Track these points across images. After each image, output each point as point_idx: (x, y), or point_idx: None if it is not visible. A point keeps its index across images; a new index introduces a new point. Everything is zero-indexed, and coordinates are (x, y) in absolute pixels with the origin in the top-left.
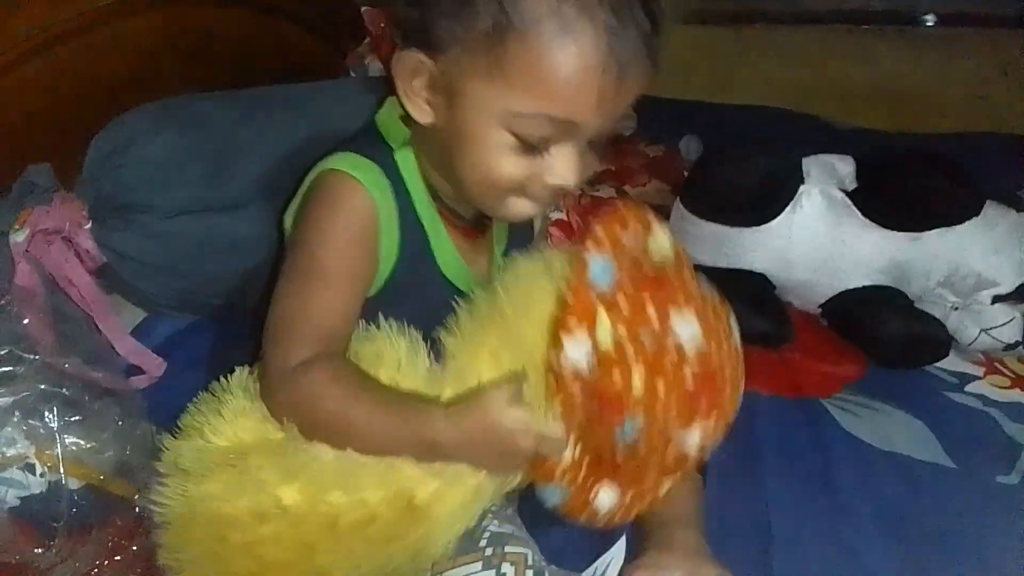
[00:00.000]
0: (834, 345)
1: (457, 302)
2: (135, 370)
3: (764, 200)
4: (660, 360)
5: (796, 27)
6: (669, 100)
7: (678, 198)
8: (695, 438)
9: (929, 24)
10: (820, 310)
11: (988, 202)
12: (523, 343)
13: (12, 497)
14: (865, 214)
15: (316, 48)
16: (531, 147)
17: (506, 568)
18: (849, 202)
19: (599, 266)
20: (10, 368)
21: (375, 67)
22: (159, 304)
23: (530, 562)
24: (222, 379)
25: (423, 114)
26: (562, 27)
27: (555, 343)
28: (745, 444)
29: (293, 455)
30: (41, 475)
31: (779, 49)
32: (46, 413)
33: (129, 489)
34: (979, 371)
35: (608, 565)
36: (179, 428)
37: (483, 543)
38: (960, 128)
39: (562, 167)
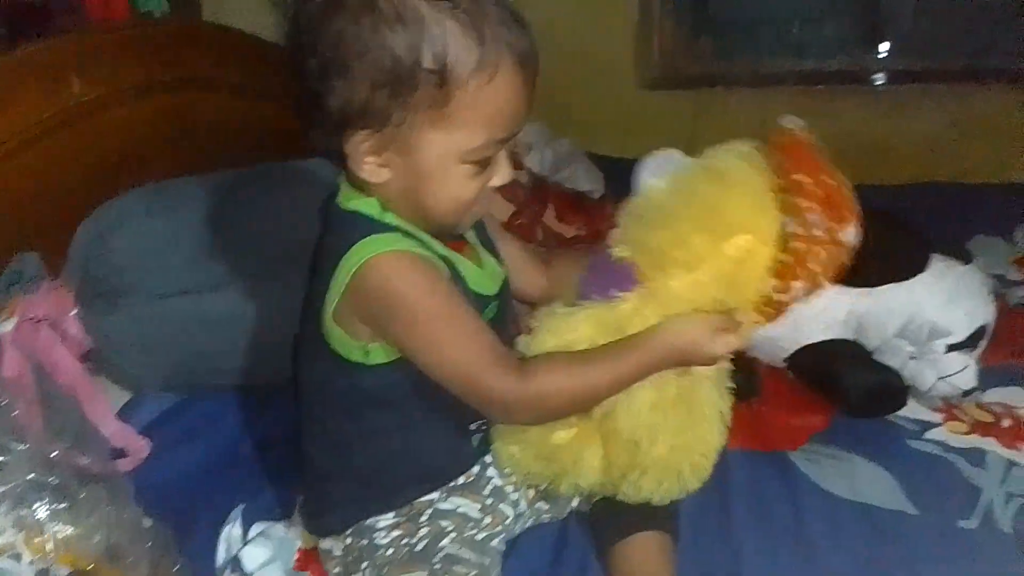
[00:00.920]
0: (801, 397)
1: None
2: (121, 452)
3: None
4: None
5: (755, 89)
6: (634, 162)
7: None
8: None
9: (881, 82)
10: (786, 364)
11: (936, 256)
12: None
13: None
14: None
15: (292, 124)
16: (482, 167)
17: None
18: None
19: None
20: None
21: None
22: (145, 384)
23: None
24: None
25: (380, 176)
26: (491, 67)
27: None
28: (717, 498)
29: None
30: (30, 563)
31: (739, 110)
32: (35, 503)
33: (118, 574)
34: (938, 418)
35: None
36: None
37: (436, 559)
38: (915, 179)
39: (503, 170)
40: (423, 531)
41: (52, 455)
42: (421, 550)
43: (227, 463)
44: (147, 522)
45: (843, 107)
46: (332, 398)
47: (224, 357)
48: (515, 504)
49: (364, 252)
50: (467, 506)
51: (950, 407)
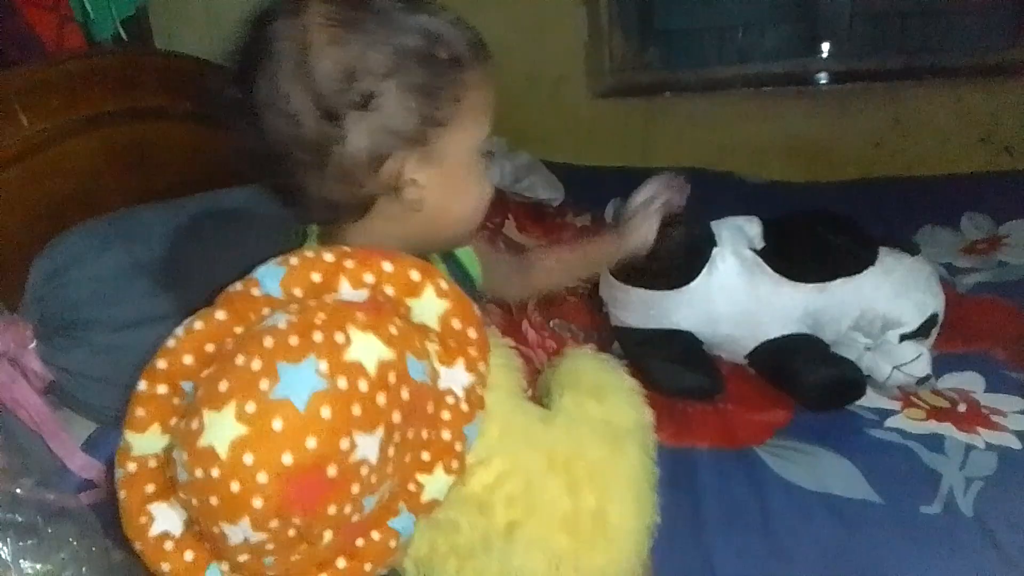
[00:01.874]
0: (763, 393)
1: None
2: (90, 484)
3: (682, 265)
4: None
5: (704, 94)
6: (591, 168)
7: (605, 268)
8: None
9: (824, 82)
10: (747, 361)
11: (884, 249)
12: None
13: None
14: (775, 270)
15: None
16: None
17: None
18: (760, 260)
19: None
20: None
21: None
22: (109, 416)
23: None
24: None
25: (418, 199)
26: (480, 53)
27: None
28: (687, 497)
29: None
30: None
31: (689, 115)
32: (1, 543)
33: None
34: (896, 405)
35: None
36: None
37: None
38: (862, 175)
39: (490, 170)
40: None
41: (17, 492)
42: None
43: None
44: (117, 556)
45: (789, 108)
46: None
47: None
48: None
49: None
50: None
51: (907, 394)
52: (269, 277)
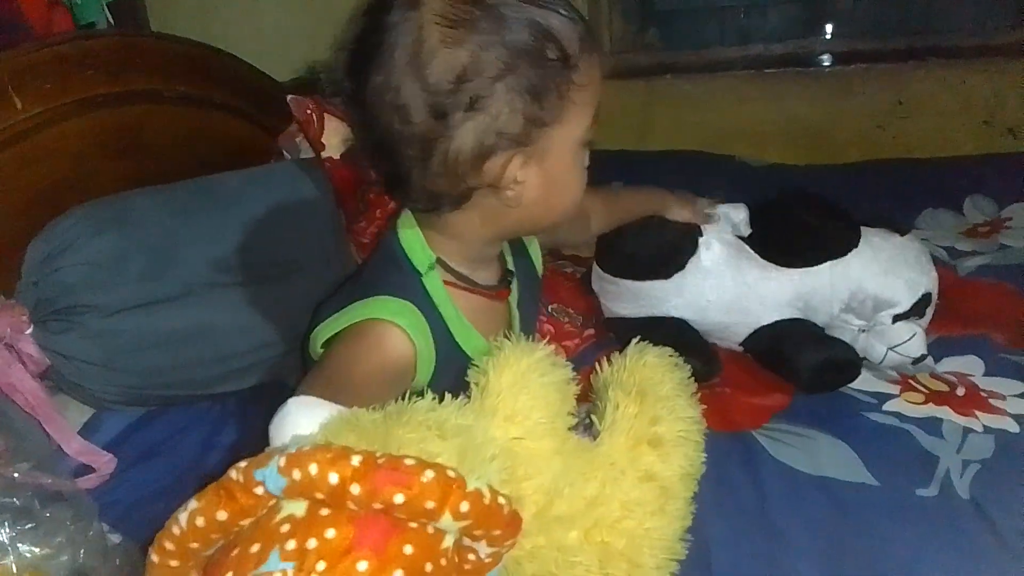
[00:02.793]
0: (761, 377)
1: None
2: (87, 468)
3: (669, 254)
4: None
5: (704, 75)
6: (592, 151)
7: (594, 260)
8: None
9: (826, 64)
10: (742, 347)
11: (871, 229)
12: None
13: None
14: (763, 256)
15: (244, 132)
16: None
17: None
18: (746, 246)
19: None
20: None
21: (306, 146)
22: (106, 400)
23: None
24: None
25: (521, 195)
26: (590, 43)
27: None
28: None
29: None
30: None
31: (690, 97)
32: None
33: None
34: (895, 389)
35: None
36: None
37: None
38: (864, 157)
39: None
40: None
41: (14, 476)
42: None
43: (194, 475)
44: (115, 539)
45: (790, 90)
46: None
47: (184, 369)
48: None
49: (369, 311)
50: None
51: (906, 378)
52: (271, 480)
